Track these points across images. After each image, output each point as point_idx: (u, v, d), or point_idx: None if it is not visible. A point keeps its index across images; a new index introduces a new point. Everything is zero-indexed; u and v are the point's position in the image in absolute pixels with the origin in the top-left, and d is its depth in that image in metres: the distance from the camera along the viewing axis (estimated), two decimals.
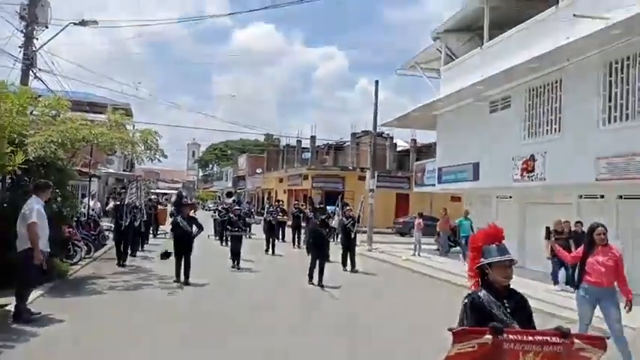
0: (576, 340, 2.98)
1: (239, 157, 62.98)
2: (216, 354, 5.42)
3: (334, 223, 14.36)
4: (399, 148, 39.57)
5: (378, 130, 30.74)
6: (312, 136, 37.61)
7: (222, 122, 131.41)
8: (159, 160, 10.17)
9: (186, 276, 9.66)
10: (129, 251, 12.19)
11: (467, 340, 2.85)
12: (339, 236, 14.57)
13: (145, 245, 14.84)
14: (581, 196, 12.09)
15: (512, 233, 14.02)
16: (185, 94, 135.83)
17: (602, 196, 11.50)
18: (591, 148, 10.56)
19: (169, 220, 20.11)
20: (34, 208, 6.05)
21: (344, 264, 13.12)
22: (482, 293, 3.09)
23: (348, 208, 14.49)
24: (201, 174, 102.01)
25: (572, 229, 10.65)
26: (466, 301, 3.09)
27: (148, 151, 9.78)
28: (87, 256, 11.45)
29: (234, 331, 6.31)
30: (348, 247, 13.32)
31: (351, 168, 34.10)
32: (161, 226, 18.79)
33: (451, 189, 17.66)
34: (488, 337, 2.81)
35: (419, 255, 16.58)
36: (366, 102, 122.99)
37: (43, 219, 6.16)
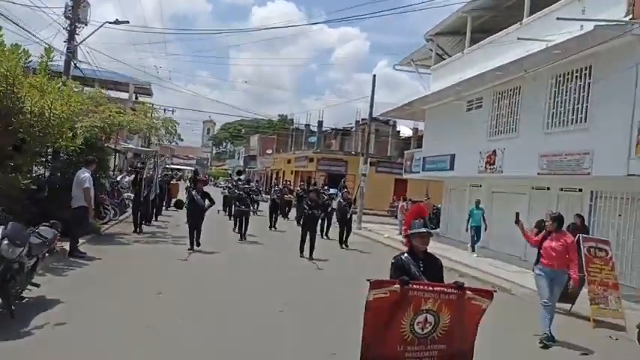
0: (468, 292, 3.79)
1: (251, 137, 65.20)
2: (207, 290, 7.66)
3: (335, 204, 15.86)
4: (403, 136, 41.35)
5: (384, 118, 32.81)
6: (319, 121, 39.57)
7: (240, 97, 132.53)
8: (176, 143, 12.35)
9: (198, 243, 10.71)
10: (145, 220, 13.52)
11: (380, 288, 3.60)
12: (336, 216, 15.32)
13: (159, 216, 16.62)
14: (533, 188, 14.05)
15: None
16: (203, 69, 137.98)
17: (549, 188, 13.46)
18: (537, 147, 12.52)
19: (181, 193, 22.32)
20: (87, 176, 8.36)
21: (340, 241, 14.30)
22: (405, 256, 3.99)
23: (345, 190, 16.11)
24: (214, 151, 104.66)
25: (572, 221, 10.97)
26: (393, 261, 4.01)
27: (169, 135, 11.98)
28: (114, 219, 13.82)
29: (225, 281, 8.27)
30: (344, 225, 14.52)
31: (354, 153, 36.03)
32: (173, 199, 20.83)
33: (432, 176, 19.68)
34: (397, 286, 3.59)
35: (401, 234, 18.71)
36: (383, 84, 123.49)
37: (92, 185, 8.48)
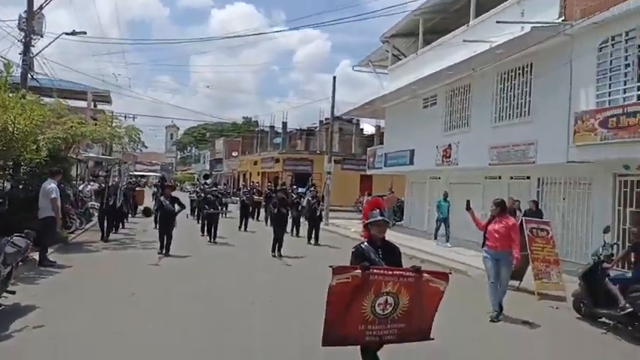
0: (425, 275, 4.08)
1: (216, 141, 64.75)
2: (183, 288, 7.96)
3: (304, 202, 15.93)
4: (366, 133, 42.21)
5: (348, 117, 33.44)
6: (283, 122, 39.96)
7: (203, 101, 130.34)
8: (140, 150, 12.46)
9: (167, 249, 10.72)
10: (112, 228, 13.48)
11: (342, 274, 3.88)
12: (306, 214, 15.48)
13: (125, 224, 16.36)
14: (486, 177, 14.93)
15: None
16: (163, 74, 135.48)
17: (500, 177, 14.36)
18: (487, 140, 13.37)
19: (147, 200, 22.18)
20: (54, 187, 8.48)
21: (309, 238, 14.51)
22: (364, 244, 4.25)
23: (313, 188, 16.48)
24: (179, 156, 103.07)
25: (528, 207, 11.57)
26: (353, 250, 4.27)
27: (132, 143, 12.09)
28: (80, 228, 13.79)
29: (197, 281, 8.56)
30: (314, 223, 14.74)
31: (319, 152, 36.57)
32: (139, 206, 20.44)
33: (394, 171, 20.43)
34: (358, 271, 3.86)
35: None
36: (346, 83, 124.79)
37: (59, 195, 8.60)
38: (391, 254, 4.27)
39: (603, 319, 6.34)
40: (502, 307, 6.60)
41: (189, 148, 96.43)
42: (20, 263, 5.92)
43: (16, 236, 5.82)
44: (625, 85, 9.64)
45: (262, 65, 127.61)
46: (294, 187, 21.04)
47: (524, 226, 8.14)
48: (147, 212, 11.66)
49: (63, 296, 6.68)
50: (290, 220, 13.81)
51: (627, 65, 9.55)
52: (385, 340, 4.13)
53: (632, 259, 6.24)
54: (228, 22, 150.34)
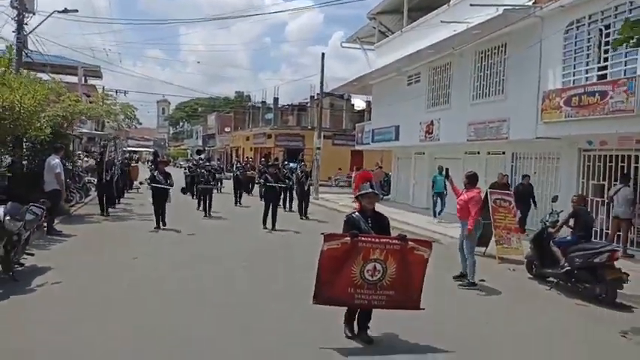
0: (410, 242, 4.45)
1: (208, 116, 64.85)
2: (180, 262, 8.78)
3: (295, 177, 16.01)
4: (358, 108, 42.70)
5: (338, 93, 33.88)
6: (275, 98, 40.32)
7: (194, 76, 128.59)
8: (135, 127, 13.09)
9: (163, 222, 11.04)
10: (110, 203, 13.68)
11: (333, 240, 4.29)
12: (296, 188, 15.70)
13: (122, 198, 16.85)
14: (466, 152, 15.74)
15: (424, 180, 17.89)
16: (153, 47, 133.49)
17: (479, 153, 15.17)
18: (465, 117, 14.12)
19: (141, 175, 22.66)
20: (57, 162, 9.19)
21: (300, 212, 14.80)
22: (355, 214, 4.64)
23: (303, 164, 16.54)
24: (171, 132, 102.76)
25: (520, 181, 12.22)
26: (345, 218, 4.68)
27: (128, 120, 12.70)
28: (80, 202, 14.50)
29: (192, 248, 9.42)
30: (303, 197, 15.02)
31: (310, 127, 37.11)
32: (134, 182, 20.59)
33: (381, 147, 21.18)
34: (347, 238, 4.26)
35: (355, 201, 20.21)
36: (340, 57, 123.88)
37: (62, 169, 9.31)
38: (380, 224, 4.62)
39: (550, 278, 7.22)
40: (464, 273, 7.10)
41: (181, 124, 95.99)
42: (36, 229, 6.67)
43: (33, 205, 6.56)
44: (587, 65, 10.37)
45: (254, 38, 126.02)
46: (286, 162, 21.57)
47: (488, 197, 8.98)
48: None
49: (73, 259, 7.48)
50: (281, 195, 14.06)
51: (589, 47, 10.25)
52: (374, 305, 4.46)
53: (572, 225, 7.09)
54: None
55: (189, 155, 60.33)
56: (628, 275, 6.18)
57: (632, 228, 9.92)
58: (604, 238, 10.25)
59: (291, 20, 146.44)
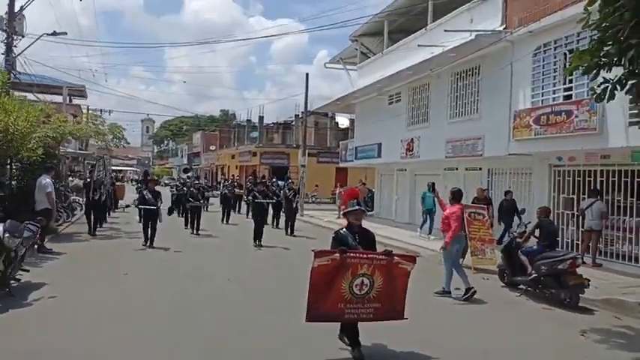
0: (395, 257, 4.63)
1: (194, 134, 65.09)
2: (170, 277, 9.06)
3: (282, 195, 16.00)
4: (342, 126, 43.44)
5: (323, 111, 34.47)
6: (260, 117, 40.85)
7: (179, 95, 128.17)
8: (123, 146, 13.38)
9: (152, 241, 11.07)
10: (98, 221, 13.71)
11: (323, 257, 4.42)
12: (284, 206, 15.72)
13: (108, 218, 16.66)
14: (445, 169, 16.34)
15: (406, 196, 18.43)
16: (136, 65, 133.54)
17: (457, 169, 15.78)
18: (443, 135, 14.75)
19: (127, 195, 22.71)
20: (49, 182, 9.45)
21: (286, 229, 14.94)
22: (343, 230, 4.81)
23: (290, 181, 16.75)
24: (156, 150, 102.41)
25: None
26: (333, 235, 4.84)
27: (116, 140, 12.99)
28: (67, 220, 14.63)
29: (181, 264, 9.79)
30: (290, 215, 15.11)
31: (295, 145, 37.63)
32: (120, 201, 20.80)
33: (364, 164, 21.74)
34: (337, 255, 4.41)
35: (339, 217, 20.62)
36: (322, 76, 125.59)
37: (53, 189, 9.56)
38: (367, 239, 4.82)
39: (520, 285, 7.70)
40: (445, 289, 7.27)
41: (165, 142, 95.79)
42: (30, 247, 6.92)
43: (29, 223, 6.83)
44: (554, 86, 11.07)
45: (240, 54, 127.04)
46: (274, 180, 21.60)
47: (464, 212, 9.48)
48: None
49: (65, 275, 7.73)
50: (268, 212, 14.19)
51: (555, 69, 10.96)
52: (363, 319, 4.60)
53: (538, 235, 7.62)
54: (202, 12, 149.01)
55: (173, 174, 60.26)
56: (589, 281, 6.69)
57: (601, 239, 10.50)
58: (575, 249, 10.82)
59: (276, 40, 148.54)
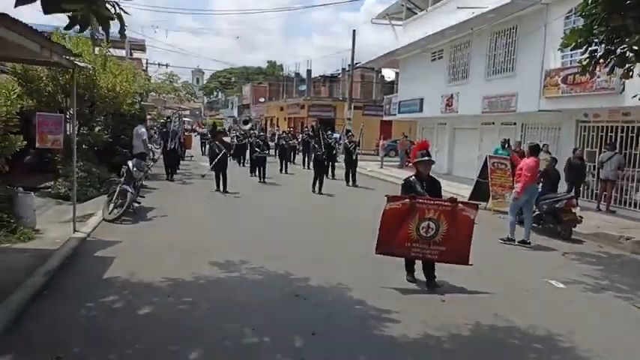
0: (460, 205, 5.09)
1: (243, 87, 67.15)
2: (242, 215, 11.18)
3: (341, 148, 16.91)
4: (388, 79, 44.01)
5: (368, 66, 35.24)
6: (308, 70, 42.10)
7: (225, 46, 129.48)
8: (194, 101, 15.29)
9: (225, 188, 11.81)
10: (174, 169, 14.53)
11: (395, 201, 5.02)
12: (344, 157, 16.10)
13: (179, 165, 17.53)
14: (482, 123, 17.48)
15: (445, 148, 19.77)
16: (184, 16, 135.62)
17: (493, 123, 16.90)
18: (481, 92, 15.84)
19: (194, 144, 24.90)
20: (144, 131, 11.70)
21: (347, 180, 15.38)
22: (412, 178, 5.26)
23: (350, 134, 16.88)
24: (205, 101, 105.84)
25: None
26: (403, 181, 5.37)
27: (189, 95, 14.98)
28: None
29: (258, 208, 11.57)
30: (351, 166, 15.50)
31: (341, 99, 38.88)
32: (187, 150, 21.95)
33: (407, 118, 23.01)
34: (407, 200, 4.98)
35: (382, 167, 22.26)
36: (370, 24, 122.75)
37: (147, 136, 11.82)
38: (434, 187, 5.28)
39: None
40: (511, 237, 7.76)
41: (215, 93, 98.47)
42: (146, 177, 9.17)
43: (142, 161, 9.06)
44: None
45: (285, 3, 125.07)
46: (329, 132, 21.49)
47: (488, 161, 10.97)
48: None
49: (164, 202, 10.07)
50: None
51: None
52: (427, 258, 5.11)
53: (543, 181, 9.02)
54: None
55: (224, 124, 62.85)
56: (582, 217, 8.18)
57: (616, 188, 11.68)
58: (594, 198, 12.09)
59: None
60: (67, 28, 2.30)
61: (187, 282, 5.15)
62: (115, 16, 2.40)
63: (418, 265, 5.42)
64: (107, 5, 2.28)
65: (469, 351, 3.96)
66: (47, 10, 2.12)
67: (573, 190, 11.14)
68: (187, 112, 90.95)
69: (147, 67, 19.20)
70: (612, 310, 5.16)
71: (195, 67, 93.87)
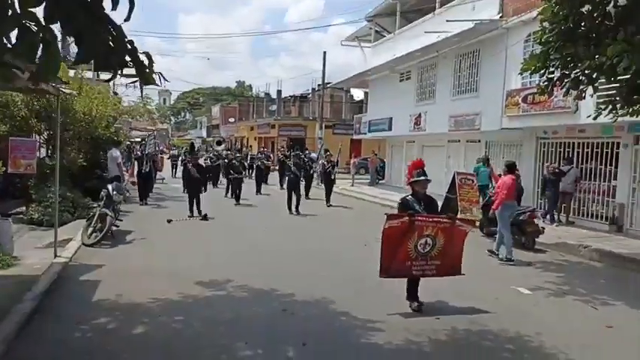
0: (457, 221, 5.26)
1: (212, 107, 67.08)
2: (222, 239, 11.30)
3: (319, 167, 17.22)
4: (357, 99, 45.01)
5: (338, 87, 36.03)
6: (278, 90, 42.55)
7: (192, 67, 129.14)
8: (167, 123, 15.38)
9: (199, 212, 11.53)
10: (147, 192, 14.09)
11: (394, 219, 5.00)
12: (320, 178, 16.33)
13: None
14: (448, 141, 18.22)
15: None
16: (149, 35, 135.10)
17: (459, 141, 17.66)
18: (447, 111, 16.59)
19: (165, 167, 24.65)
20: (118, 154, 11.69)
21: (327, 201, 15.12)
22: (409, 197, 5.31)
23: (328, 153, 16.72)
24: (173, 122, 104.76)
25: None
26: (400, 201, 5.39)
27: (162, 117, 15.02)
28: None
29: (237, 230, 11.88)
30: (329, 186, 15.48)
31: (311, 118, 39.50)
32: (159, 172, 20.74)
33: (376, 136, 23.66)
34: (406, 218, 4.96)
35: (352, 185, 22.71)
36: (338, 45, 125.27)
37: (122, 160, 11.83)
38: (431, 206, 5.32)
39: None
40: (507, 256, 7.78)
41: (182, 114, 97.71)
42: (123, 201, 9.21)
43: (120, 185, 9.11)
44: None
45: (254, 23, 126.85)
46: (307, 151, 22.31)
47: (455, 177, 11.51)
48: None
49: (141, 225, 10.06)
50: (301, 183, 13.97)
51: None
52: (427, 274, 5.16)
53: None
54: None
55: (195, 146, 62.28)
56: (544, 228, 8.75)
57: (574, 200, 12.42)
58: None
59: (291, 6, 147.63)
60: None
61: (176, 301, 5.28)
62: (157, 77, 2.49)
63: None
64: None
65: (448, 354, 4.28)
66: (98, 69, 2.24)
67: (558, 204, 11.71)
68: (155, 134, 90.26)
69: (115, 89, 19.00)
70: (572, 312, 5.62)
71: (162, 87, 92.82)
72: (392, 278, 5.20)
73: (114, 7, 2.21)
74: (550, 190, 11.94)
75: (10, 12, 1.77)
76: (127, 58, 2.11)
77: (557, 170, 11.97)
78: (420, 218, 5.01)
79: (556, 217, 11.99)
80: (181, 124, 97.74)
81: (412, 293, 5.28)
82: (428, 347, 4.33)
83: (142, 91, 2.91)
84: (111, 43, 2.03)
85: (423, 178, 5.25)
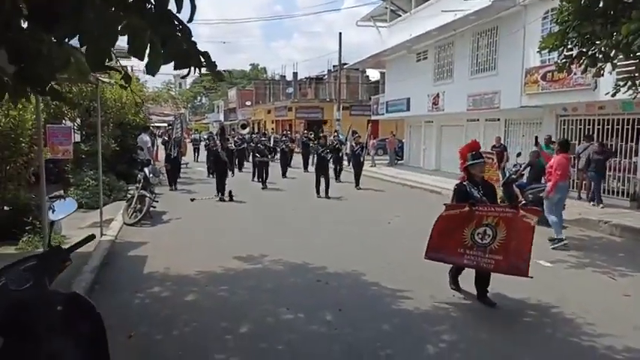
0: (521, 211, 4.68)
1: (229, 91, 67.38)
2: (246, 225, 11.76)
3: (347, 149, 16.93)
4: (373, 79, 44.84)
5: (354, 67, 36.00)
6: (294, 72, 42.65)
7: (207, 45, 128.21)
8: (186, 107, 15.71)
9: (229, 194, 11.64)
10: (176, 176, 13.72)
11: (453, 210, 4.72)
12: (350, 160, 15.77)
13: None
14: (467, 120, 18.31)
15: (433, 145, 20.57)
16: None
17: (478, 120, 17.74)
18: (465, 90, 16.66)
19: (189, 150, 25.04)
20: (148, 139, 12.18)
21: (356, 183, 14.80)
22: (466, 182, 4.89)
23: (357, 135, 16.29)
24: (189, 105, 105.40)
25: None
26: (456, 187, 4.99)
27: (184, 102, 15.39)
28: None
29: (266, 211, 12.32)
30: (358, 169, 15.15)
31: (328, 100, 39.60)
32: (183, 157, 22.24)
33: (394, 117, 23.79)
34: (466, 208, 4.60)
35: (373, 165, 22.96)
36: (352, 25, 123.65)
37: (151, 144, 12.32)
38: (490, 191, 4.94)
39: None
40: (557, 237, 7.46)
41: (199, 98, 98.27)
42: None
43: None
44: None
45: (265, 6, 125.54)
46: (336, 133, 22.34)
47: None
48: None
49: (174, 207, 10.56)
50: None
51: None
52: (481, 267, 4.70)
53: (528, 173, 9.81)
54: None
55: (211, 129, 62.99)
56: (565, 205, 8.94)
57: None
58: (574, 187, 12.94)
59: None
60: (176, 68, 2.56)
61: (219, 274, 5.75)
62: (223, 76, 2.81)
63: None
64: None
65: (474, 318, 4.65)
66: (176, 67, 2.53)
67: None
68: (171, 118, 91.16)
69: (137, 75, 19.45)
70: (592, 282, 5.92)
71: (177, 73, 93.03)
72: (437, 261, 4.92)
73: (178, 10, 2.55)
74: (594, 170, 11.16)
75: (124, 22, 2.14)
76: (202, 60, 2.44)
77: (605, 150, 11.16)
78: (480, 208, 4.65)
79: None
80: (198, 108, 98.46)
81: (456, 281, 5.21)
82: (454, 313, 4.70)
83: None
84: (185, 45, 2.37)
85: (480, 160, 4.91)
